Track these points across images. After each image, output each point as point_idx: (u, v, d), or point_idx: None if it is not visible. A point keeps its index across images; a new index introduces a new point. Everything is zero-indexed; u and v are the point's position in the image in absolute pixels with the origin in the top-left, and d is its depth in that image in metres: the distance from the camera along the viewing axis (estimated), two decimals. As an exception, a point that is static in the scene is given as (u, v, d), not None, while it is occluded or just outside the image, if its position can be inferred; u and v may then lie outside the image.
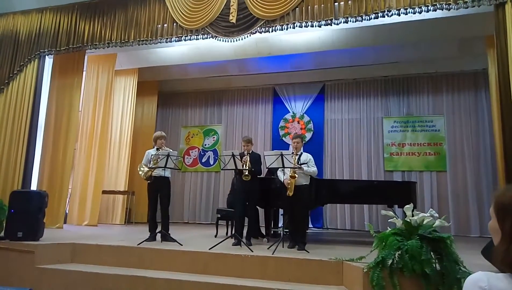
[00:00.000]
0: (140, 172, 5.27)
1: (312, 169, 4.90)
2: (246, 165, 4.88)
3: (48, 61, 7.34)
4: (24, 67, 7.08)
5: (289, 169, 4.71)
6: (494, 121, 6.53)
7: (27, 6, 7.32)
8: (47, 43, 7.00)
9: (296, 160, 4.74)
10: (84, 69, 7.78)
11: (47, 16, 7.13)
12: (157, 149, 5.35)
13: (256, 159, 5.15)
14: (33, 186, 6.87)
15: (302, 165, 4.77)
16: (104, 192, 8.02)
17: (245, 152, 5.08)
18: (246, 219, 5.31)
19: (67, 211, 7.62)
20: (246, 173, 4.83)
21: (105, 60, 8.03)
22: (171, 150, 5.34)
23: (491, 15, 5.22)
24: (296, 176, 4.67)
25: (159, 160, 5.05)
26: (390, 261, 3.08)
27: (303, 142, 5.77)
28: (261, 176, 5.66)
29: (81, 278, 4.08)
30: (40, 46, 7.04)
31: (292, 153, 4.86)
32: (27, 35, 7.19)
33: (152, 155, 5.24)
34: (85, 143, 7.83)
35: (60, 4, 7.09)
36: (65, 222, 7.24)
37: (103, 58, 7.95)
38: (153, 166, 5.14)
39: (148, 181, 5.26)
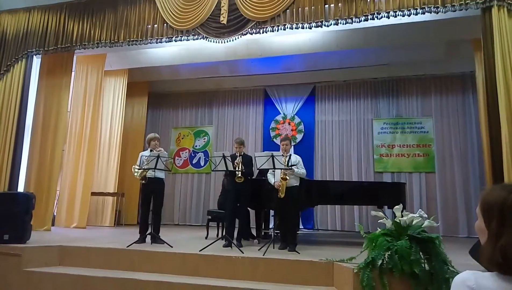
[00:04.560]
0: (135, 173, 5.24)
1: (302, 171, 4.96)
2: (238, 167, 4.88)
3: (36, 61, 7.23)
4: (11, 67, 6.95)
5: (280, 171, 4.73)
6: (481, 123, 6.63)
7: (15, 5, 7.20)
8: (35, 42, 6.89)
9: (286, 162, 4.75)
10: (73, 69, 7.67)
11: (35, 16, 7.03)
12: (151, 151, 5.34)
13: (248, 161, 5.15)
14: (20, 188, 6.75)
15: (292, 167, 4.79)
16: (93, 193, 7.92)
17: (237, 154, 5.09)
18: (237, 221, 5.30)
19: (55, 213, 7.51)
20: (239, 175, 4.83)
21: (94, 61, 7.94)
22: (162, 150, 5.31)
23: (478, 19, 5.30)
24: (288, 178, 4.70)
25: (149, 162, 5.02)
26: (380, 262, 3.10)
27: (292, 144, 5.82)
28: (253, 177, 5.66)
29: (69, 281, 4.02)
30: (28, 46, 6.93)
31: (282, 155, 4.87)
32: (15, 35, 7.07)
33: (144, 157, 5.21)
34: (73, 144, 7.73)
35: (48, 4, 6.99)
36: (53, 225, 7.13)
37: (92, 58, 7.86)
38: (147, 167, 5.11)
39: (143, 182, 5.22)
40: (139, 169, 5.18)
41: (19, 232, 4.53)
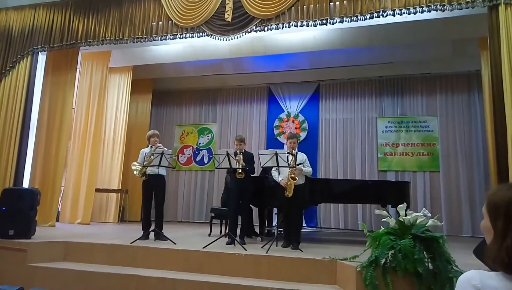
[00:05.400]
0: (135, 171, 5.25)
1: (309, 169, 4.95)
2: (239, 163, 4.90)
3: (41, 58, 7.26)
4: (17, 64, 6.99)
5: (286, 169, 4.71)
6: (487, 122, 6.59)
7: (20, 2, 7.23)
8: (41, 39, 6.92)
9: (293, 160, 4.74)
10: (78, 66, 7.71)
11: (40, 12, 7.05)
12: (151, 148, 5.36)
13: (249, 158, 5.17)
14: (25, 184, 6.80)
15: (299, 165, 4.78)
16: (97, 190, 7.97)
17: (238, 151, 5.11)
18: (240, 218, 5.31)
19: (59, 209, 7.56)
20: (240, 171, 4.85)
21: (99, 58, 7.96)
22: (165, 148, 5.33)
23: (484, 17, 5.25)
24: (297, 178, 4.67)
25: (152, 157, 5.03)
26: (383, 260, 3.09)
27: (298, 141, 5.81)
28: (255, 174, 5.67)
29: (74, 276, 4.05)
30: (33, 43, 6.96)
31: (288, 152, 4.85)
32: (20, 31, 7.10)
33: (146, 153, 5.23)
34: (78, 140, 7.77)
35: (53, 0, 7.02)
36: (57, 220, 7.18)
37: (97, 55, 7.89)
38: (146, 164, 5.12)
39: (143, 179, 5.24)
40: (142, 166, 5.19)
41: (24, 228, 4.57)
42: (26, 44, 7.01)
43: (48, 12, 7.01)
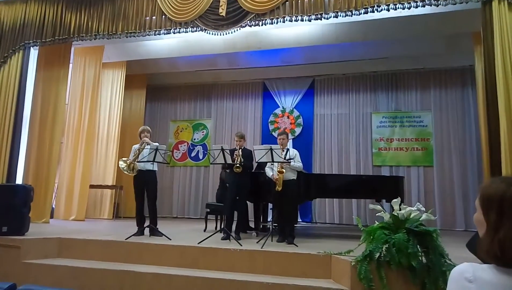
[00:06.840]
0: (125, 172, 5.20)
1: (298, 164, 5.01)
2: (238, 158, 4.92)
3: (33, 53, 7.17)
4: (8, 59, 6.89)
5: (277, 164, 4.76)
6: (480, 117, 6.63)
7: (11, -4, 7.14)
8: (32, 34, 6.83)
9: (284, 156, 4.78)
10: (71, 61, 7.63)
11: (32, 7, 6.95)
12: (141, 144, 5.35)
13: (247, 155, 5.19)
14: (19, 180, 6.74)
15: (289, 160, 4.82)
16: (91, 186, 7.93)
17: (237, 147, 5.13)
18: (235, 214, 5.32)
19: (53, 206, 7.52)
20: (238, 165, 4.86)
21: (92, 53, 7.89)
22: (155, 143, 5.30)
23: (478, 12, 5.27)
24: (284, 171, 4.73)
25: (147, 154, 5.01)
26: (377, 255, 3.12)
27: (289, 138, 5.82)
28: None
29: (68, 273, 4.04)
30: (25, 37, 6.87)
31: (280, 149, 4.89)
32: (11, 26, 7.00)
33: (136, 149, 5.23)
34: (72, 136, 7.71)
35: (45, -6, 6.93)
36: (51, 217, 7.15)
37: (90, 50, 7.81)
38: (134, 159, 5.11)
39: (133, 174, 5.22)
40: (130, 161, 5.17)
41: (17, 224, 4.54)
42: (17, 39, 6.92)
43: (40, 6, 6.91)
